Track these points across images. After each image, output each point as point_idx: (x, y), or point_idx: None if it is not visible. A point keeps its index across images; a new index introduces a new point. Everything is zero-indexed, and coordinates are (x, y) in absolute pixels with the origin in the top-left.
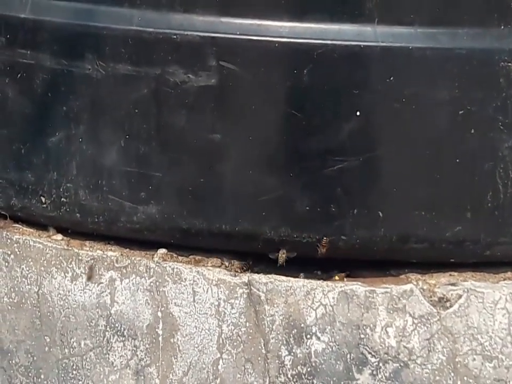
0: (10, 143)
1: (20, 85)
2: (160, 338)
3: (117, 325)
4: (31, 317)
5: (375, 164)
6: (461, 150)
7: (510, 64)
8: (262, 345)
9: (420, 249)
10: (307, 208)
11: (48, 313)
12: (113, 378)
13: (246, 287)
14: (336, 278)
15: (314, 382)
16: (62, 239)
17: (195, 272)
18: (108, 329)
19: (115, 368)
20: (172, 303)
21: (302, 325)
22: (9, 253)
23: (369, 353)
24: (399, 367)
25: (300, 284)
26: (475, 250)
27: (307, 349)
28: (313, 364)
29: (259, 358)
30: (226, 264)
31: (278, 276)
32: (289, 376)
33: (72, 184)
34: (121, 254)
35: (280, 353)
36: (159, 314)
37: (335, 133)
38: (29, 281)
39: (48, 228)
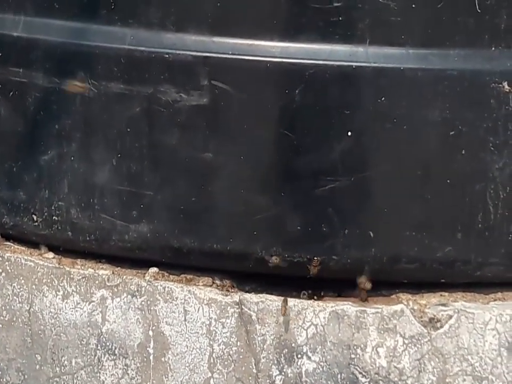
0: (2, 161)
1: (12, 103)
2: (151, 357)
3: (108, 344)
4: (22, 335)
5: (367, 184)
6: (452, 171)
7: (500, 85)
8: (253, 365)
9: (411, 270)
10: (298, 227)
11: (40, 332)
12: None
13: (237, 306)
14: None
15: None
16: (54, 257)
17: (186, 291)
18: (99, 347)
19: None
20: (163, 322)
21: (293, 345)
22: (0, 271)
23: (360, 373)
24: None
25: (291, 303)
26: (466, 270)
27: (298, 369)
28: None
29: (250, 378)
30: (218, 283)
31: (269, 296)
32: None
33: (63, 202)
34: (113, 273)
35: (271, 372)
36: (150, 333)
37: (326, 153)
38: (20, 300)
39: (40, 246)
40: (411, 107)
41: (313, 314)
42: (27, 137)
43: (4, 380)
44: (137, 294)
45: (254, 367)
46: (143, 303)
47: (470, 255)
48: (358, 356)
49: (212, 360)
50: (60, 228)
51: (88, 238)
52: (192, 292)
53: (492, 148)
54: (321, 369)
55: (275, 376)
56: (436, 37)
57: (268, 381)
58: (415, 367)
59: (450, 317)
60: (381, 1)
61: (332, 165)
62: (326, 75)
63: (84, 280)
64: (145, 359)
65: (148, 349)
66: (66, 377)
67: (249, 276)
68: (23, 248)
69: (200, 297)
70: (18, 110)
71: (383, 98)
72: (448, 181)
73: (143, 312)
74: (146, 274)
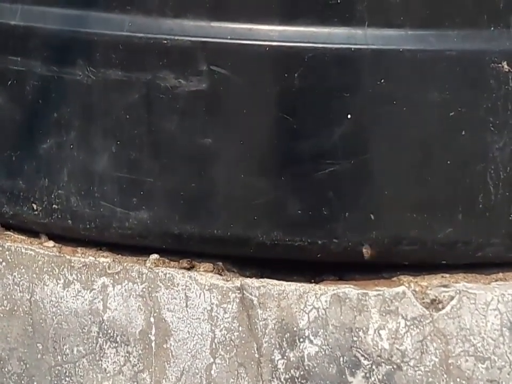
0: (1, 150)
1: (11, 92)
2: (153, 344)
3: (109, 331)
4: (24, 324)
5: (367, 167)
6: (452, 152)
7: (500, 65)
8: (255, 349)
9: (412, 251)
10: (299, 211)
11: (41, 320)
12: None
13: (239, 291)
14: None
15: None
16: (54, 246)
17: (187, 277)
18: (100, 335)
19: (108, 375)
20: (164, 309)
21: (295, 329)
22: (0, 260)
23: (362, 356)
24: (392, 370)
25: (292, 287)
26: (467, 251)
27: (300, 353)
28: (307, 368)
29: (252, 362)
30: (219, 268)
31: (270, 280)
32: (282, 380)
33: (63, 190)
34: (113, 260)
35: (273, 357)
36: (152, 319)
37: (326, 136)
38: (21, 289)
39: (40, 235)
40: (410, 89)
41: (314, 298)
42: (26, 126)
43: (6, 369)
44: (138, 281)
45: (256, 351)
46: (144, 290)
47: (471, 236)
48: (360, 338)
49: (213, 346)
50: (60, 216)
51: (88, 226)
52: (193, 277)
53: (492, 128)
54: (323, 352)
55: (277, 360)
56: (434, 18)
57: (270, 365)
58: (418, 348)
59: (452, 298)
60: None
61: (332, 148)
62: (324, 58)
63: (84, 268)
64: (147, 346)
65: (149, 335)
66: (68, 366)
67: (250, 261)
68: (23, 237)
69: (201, 283)
70: (17, 98)
71: (382, 81)
72: (448, 162)
73: (144, 299)
74: (147, 261)
